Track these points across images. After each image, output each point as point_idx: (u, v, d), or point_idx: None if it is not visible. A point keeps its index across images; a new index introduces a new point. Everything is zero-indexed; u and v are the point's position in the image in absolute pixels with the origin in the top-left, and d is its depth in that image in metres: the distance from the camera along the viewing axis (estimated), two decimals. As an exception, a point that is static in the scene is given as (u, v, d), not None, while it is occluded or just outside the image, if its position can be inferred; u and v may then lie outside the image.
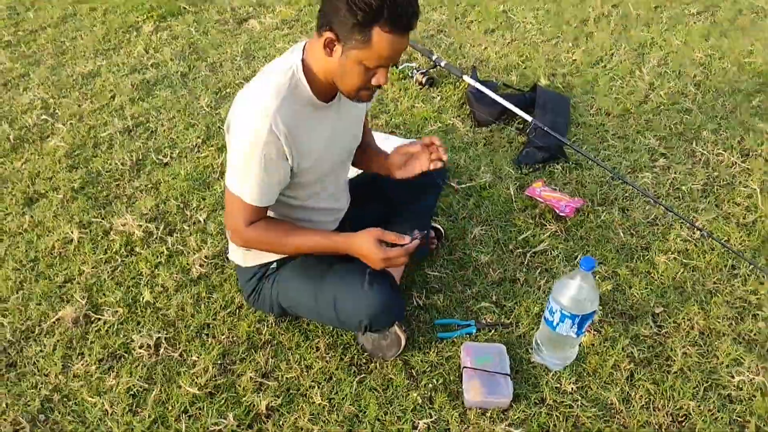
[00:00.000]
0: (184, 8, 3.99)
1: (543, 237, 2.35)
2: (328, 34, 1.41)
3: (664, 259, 2.25)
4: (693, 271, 2.22)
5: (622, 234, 2.37)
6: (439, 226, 2.33)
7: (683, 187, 2.60)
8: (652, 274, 2.20)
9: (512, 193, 2.56)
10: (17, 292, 2.11)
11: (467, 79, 3.13)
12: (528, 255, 2.28)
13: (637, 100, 3.17)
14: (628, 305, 2.09)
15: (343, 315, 1.73)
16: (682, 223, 2.39)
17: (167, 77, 3.31)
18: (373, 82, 1.48)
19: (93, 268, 2.19)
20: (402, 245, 1.60)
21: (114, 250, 2.27)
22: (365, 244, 1.61)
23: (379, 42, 1.38)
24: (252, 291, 1.92)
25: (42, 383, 1.82)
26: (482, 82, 3.15)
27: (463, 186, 2.61)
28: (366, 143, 1.94)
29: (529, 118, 2.86)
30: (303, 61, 1.53)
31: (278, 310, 1.90)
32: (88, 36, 3.69)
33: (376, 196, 2.03)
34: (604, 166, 2.60)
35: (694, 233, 2.36)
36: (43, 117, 2.96)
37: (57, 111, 3.02)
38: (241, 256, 1.88)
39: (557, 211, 2.43)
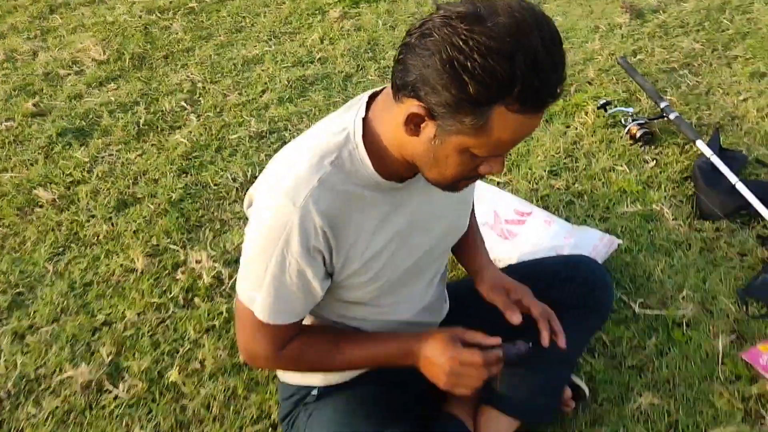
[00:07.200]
0: (384, -6, 3.48)
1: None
2: (414, 108, 0.89)
3: None
4: None
5: None
6: (581, 383, 1.55)
7: None
8: None
9: (720, 347, 1.68)
10: (51, 324, 1.80)
11: (701, 145, 2.23)
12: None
13: None
14: None
15: None
16: None
17: (328, 77, 2.85)
18: (482, 170, 0.97)
19: (139, 314, 1.81)
20: (485, 346, 1.09)
21: (172, 294, 1.87)
22: (434, 343, 1.11)
23: (502, 126, 0.87)
24: (287, 414, 1.39)
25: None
26: (724, 152, 2.24)
27: (647, 312, 1.78)
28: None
29: (779, 229, 1.92)
30: (365, 121, 0.99)
31: None
32: (272, 14, 3.37)
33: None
34: None
35: None
36: (182, 104, 2.68)
37: (200, 99, 2.72)
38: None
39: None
